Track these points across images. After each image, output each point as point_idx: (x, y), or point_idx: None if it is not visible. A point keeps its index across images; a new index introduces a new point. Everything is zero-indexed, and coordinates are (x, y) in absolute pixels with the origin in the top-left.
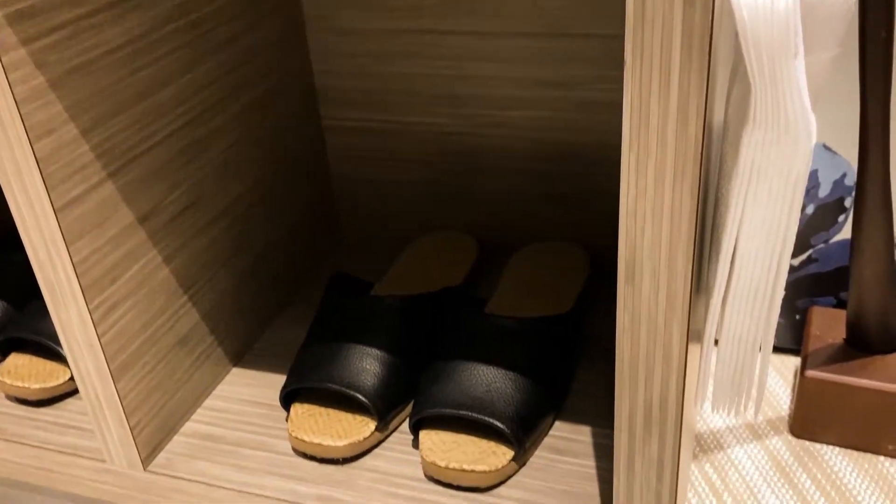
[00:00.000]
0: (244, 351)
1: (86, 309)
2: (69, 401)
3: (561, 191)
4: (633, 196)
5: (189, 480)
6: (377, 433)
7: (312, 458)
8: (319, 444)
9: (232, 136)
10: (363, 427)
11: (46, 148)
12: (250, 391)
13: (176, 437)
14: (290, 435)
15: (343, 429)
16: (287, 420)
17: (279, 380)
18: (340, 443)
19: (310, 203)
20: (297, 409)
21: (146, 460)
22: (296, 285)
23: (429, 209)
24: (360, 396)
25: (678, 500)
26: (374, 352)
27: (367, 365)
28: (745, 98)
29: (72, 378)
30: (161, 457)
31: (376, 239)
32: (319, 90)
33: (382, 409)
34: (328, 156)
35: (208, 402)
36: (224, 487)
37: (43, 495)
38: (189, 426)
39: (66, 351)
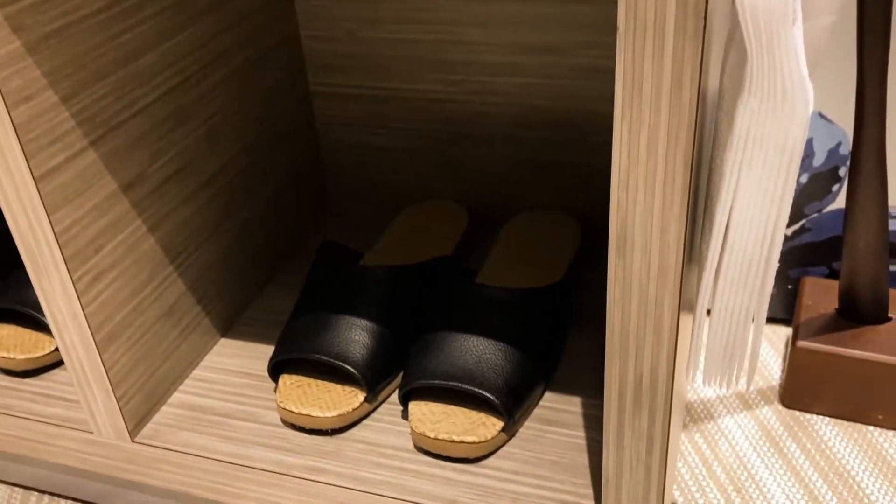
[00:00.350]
0: (232, 321)
1: (69, 279)
2: (55, 371)
3: (552, 159)
4: (626, 165)
5: (176, 451)
6: (366, 404)
7: (301, 429)
8: (308, 416)
9: (217, 103)
10: (352, 398)
11: (24, 115)
12: (238, 362)
13: (163, 408)
14: (279, 406)
15: (332, 400)
16: (275, 391)
17: (267, 350)
18: (329, 414)
19: (297, 171)
20: (286, 380)
21: (133, 431)
22: (284, 254)
23: (418, 177)
24: (349, 367)
25: (668, 471)
26: (364, 323)
27: (356, 336)
28: (741, 65)
29: (57, 349)
30: (148, 428)
31: (365, 207)
32: (307, 56)
33: (371, 380)
34: (316, 123)
35: (196, 372)
36: (212, 458)
37: (30, 466)
38: (176, 397)
39: (50, 322)
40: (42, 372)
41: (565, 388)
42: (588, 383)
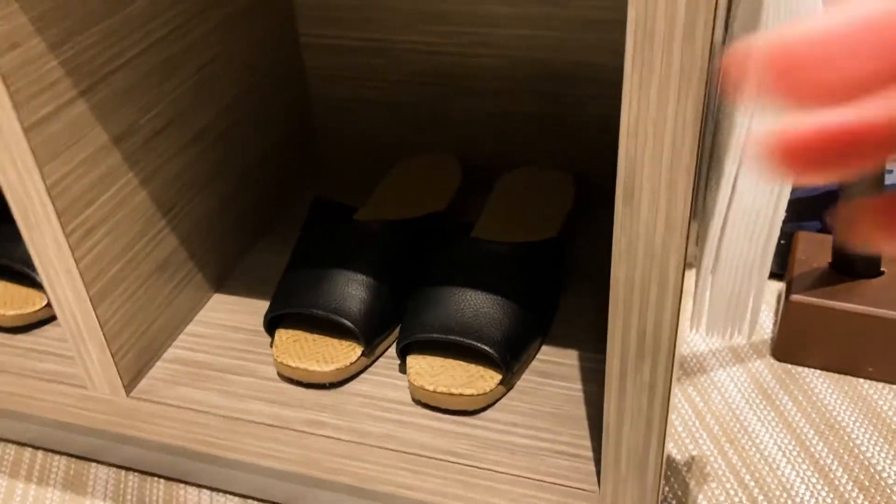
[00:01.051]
0: (225, 276)
1: (61, 233)
2: (46, 328)
3: (548, 113)
4: (635, 114)
5: (173, 406)
6: (363, 358)
7: (298, 383)
8: (306, 370)
9: (207, 54)
10: (350, 352)
11: (12, 62)
12: (233, 317)
13: (158, 363)
14: (276, 360)
15: (329, 354)
16: (272, 346)
17: (262, 305)
18: (327, 368)
19: (289, 124)
20: (282, 334)
21: (129, 386)
22: (277, 209)
23: (412, 131)
24: (347, 322)
25: (668, 424)
26: (360, 277)
27: (353, 290)
28: (755, 12)
29: (48, 304)
30: (144, 383)
31: (358, 161)
32: (298, 6)
33: (369, 334)
34: (307, 75)
35: (190, 327)
36: (209, 412)
37: (23, 422)
38: (171, 352)
39: (42, 277)
40: (33, 328)
41: (562, 342)
42: (584, 338)
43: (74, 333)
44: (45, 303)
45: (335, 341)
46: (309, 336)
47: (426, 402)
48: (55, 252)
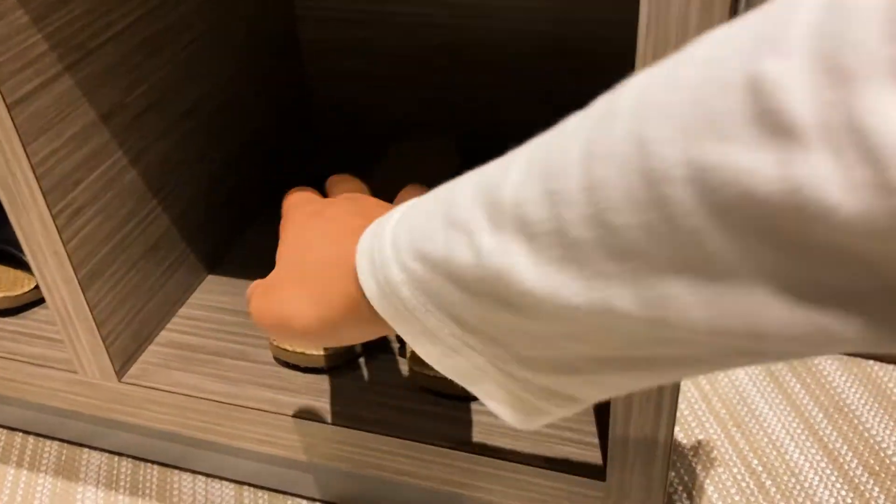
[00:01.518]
0: (220, 257)
1: (48, 214)
2: (35, 310)
3: (550, 89)
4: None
5: (166, 391)
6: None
7: (295, 367)
8: (302, 353)
9: (197, 28)
10: None
11: None
12: (227, 299)
13: (151, 347)
14: (271, 344)
15: None
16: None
17: None
18: (322, 351)
19: (283, 100)
20: None
21: (120, 371)
22: (272, 187)
23: (408, 106)
24: None
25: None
26: None
27: None
28: None
29: (37, 286)
30: (136, 367)
31: (353, 137)
32: None
33: None
34: (302, 50)
35: (183, 310)
36: (204, 398)
37: (14, 406)
38: (164, 335)
39: (30, 259)
40: (22, 310)
41: None
42: None
43: (63, 317)
44: (34, 285)
45: None
46: None
47: (427, 386)
48: (42, 233)
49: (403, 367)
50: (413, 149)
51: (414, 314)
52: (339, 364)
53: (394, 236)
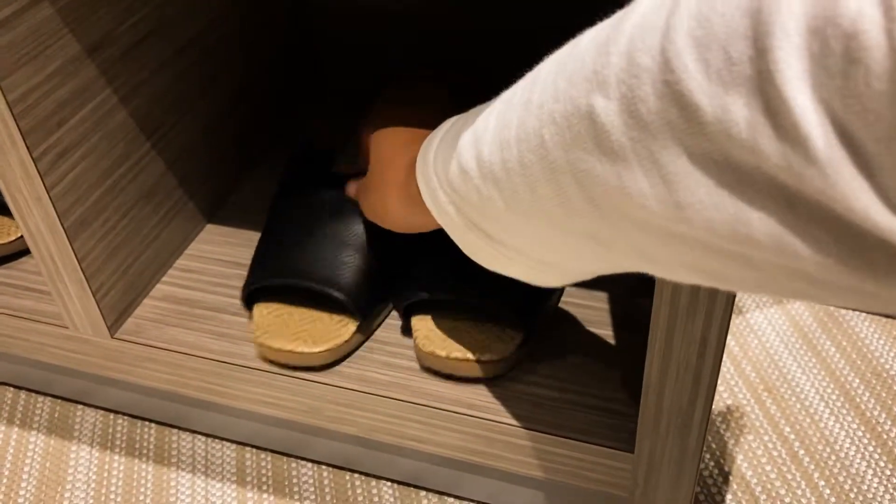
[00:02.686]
0: (219, 205)
1: (28, 156)
2: (23, 260)
3: (563, 24)
4: None
5: (162, 349)
6: (359, 335)
7: (285, 367)
8: (292, 352)
9: None
10: (342, 329)
11: None
12: (226, 250)
13: (145, 301)
14: (256, 341)
15: (319, 332)
16: (249, 322)
17: (257, 238)
18: (317, 348)
19: (286, 38)
20: (262, 309)
21: (113, 327)
22: (274, 130)
23: (419, 43)
24: (340, 295)
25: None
26: (350, 241)
27: (345, 257)
28: None
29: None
30: (130, 323)
31: (357, 73)
32: None
33: (364, 306)
34: None
35: (180, 262)
36: (202, 356)
37: (3, 361)
38: (160, 289)
39: (11, 206)
40: (8, 260)
41: (590, 283)
42: (615, 277)
43: (50, 269)
44: (20, 233)
45: (325, 315)
46: (294, 310)
47: (438, 369)
48: (23, 177)
49: (405, 361)
50: (407, 92)
51: (444, 208)
52: (334, 362)
53: (434, 159)
